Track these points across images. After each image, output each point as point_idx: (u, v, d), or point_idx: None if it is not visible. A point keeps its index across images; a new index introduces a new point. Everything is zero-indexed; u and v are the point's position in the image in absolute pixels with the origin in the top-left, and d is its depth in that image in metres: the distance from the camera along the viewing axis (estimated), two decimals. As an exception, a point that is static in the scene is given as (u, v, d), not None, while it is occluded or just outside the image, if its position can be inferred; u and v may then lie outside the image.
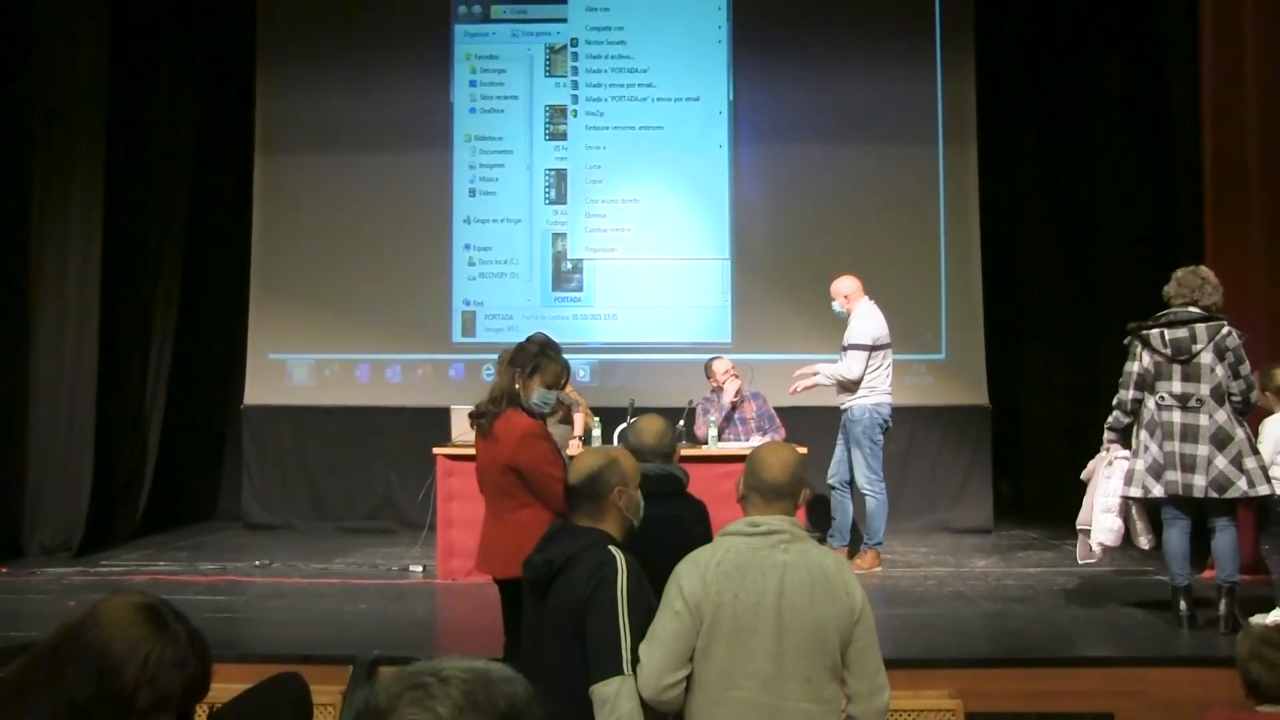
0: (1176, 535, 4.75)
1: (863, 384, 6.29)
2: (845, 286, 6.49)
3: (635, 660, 2.68)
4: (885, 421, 6.36)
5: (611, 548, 2.83)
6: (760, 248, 8.43)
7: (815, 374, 6.45)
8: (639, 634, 2.69)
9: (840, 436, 6.51)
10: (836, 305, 6.51)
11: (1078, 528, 5.09)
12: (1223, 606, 4.66)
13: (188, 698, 1.68)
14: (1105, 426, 4.98)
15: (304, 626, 5.16)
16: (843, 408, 6.44)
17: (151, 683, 1.62)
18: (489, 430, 3.81)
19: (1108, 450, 4.98)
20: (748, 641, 2.60)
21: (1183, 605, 4.73)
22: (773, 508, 2.77)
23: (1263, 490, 4.59)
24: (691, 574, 2.68)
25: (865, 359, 6.27)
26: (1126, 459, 4.88)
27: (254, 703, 2.39)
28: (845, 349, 6.36)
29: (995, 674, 4.19)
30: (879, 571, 6.30)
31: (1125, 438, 4.93)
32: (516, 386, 3.84)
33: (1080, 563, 5.16)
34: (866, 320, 6.36)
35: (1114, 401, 4.91)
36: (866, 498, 6.34)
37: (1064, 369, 8.59)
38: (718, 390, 6.93)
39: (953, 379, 8.30)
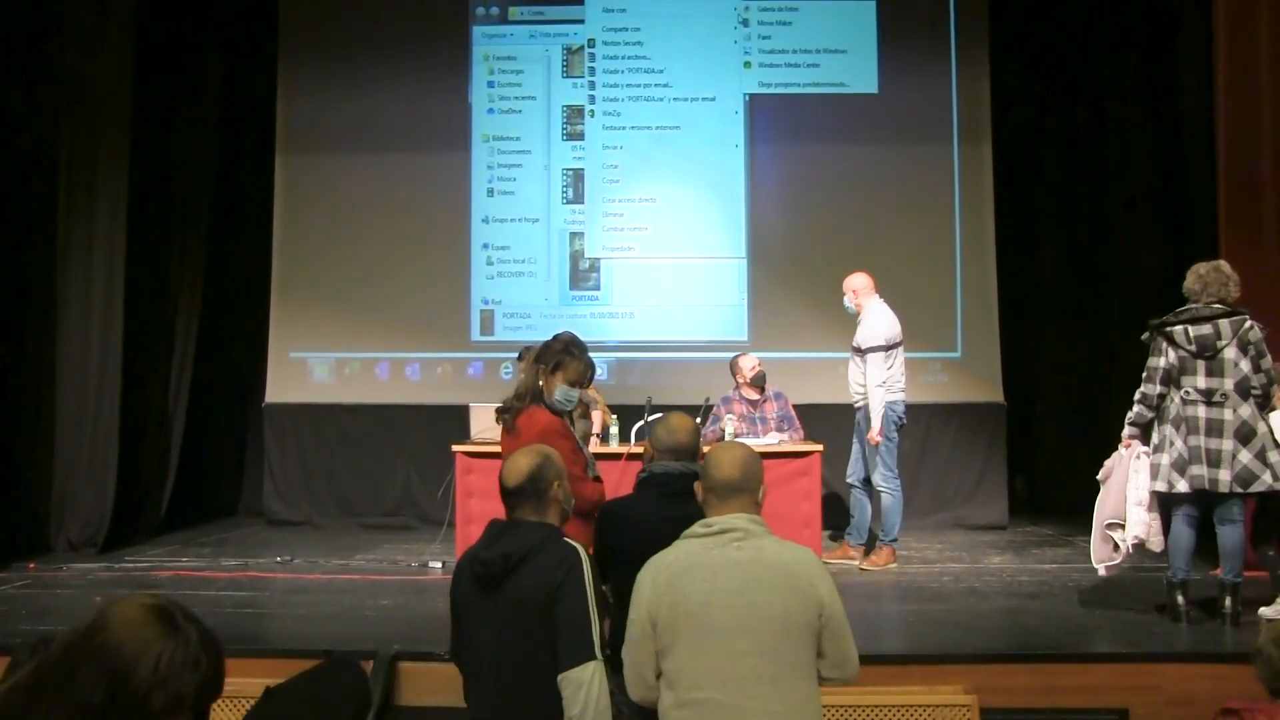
0: (1185, 530, 4.78)
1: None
2: (856, 282, 6.52)
3: (603, 647, 2.74)
4: (900, 419, 6.39)
5: (569, 540, 2.89)
6: (776, 246, 8.46)
7: (876, 427, 6.30)
8: (601, 622, 2.77)
9: (856, 435, 6.54)
10: (847, 301, 6.53)
11: (1101, 526, 5.00)
12: (1227, 604, 4.69)
13: (202, 698, 1.66)
14: (1126, 422, 4.95)
15: (325, 622, 5.21)
16: (857, 406, 6.48)
17: (164, 685, 1.60)
18: (513, 425, 3.87)
19: (1127, 447, 4.95)
20: (702, 642, 2.57)
21: (1180, 600, 4.76)
22: (728, 506, 2.75)
23: None
24: (644, 577, 2.71)
25: (883, 360, 6.30)
26: (1148, 454, 4.87)
27: (314, 688, 2.37)
28: (860, 351, 6.38)
29: (1010, 669, 4.21)
30: (894, 568, 6.33)
31: (1145, 434, 4.91)
32: (540, 383, 3.91)
33: (1097, 566, 5.06)
34: (879, 321, 6.38)
35: (1137, 396, 4.89)
36: (882, 494, 6.38)
37: (1079, 366, 8.60)
38: (740, 388, 6.95)
39: (968, 376, 8.31)
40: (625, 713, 2.87)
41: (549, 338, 4.14)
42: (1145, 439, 4.92)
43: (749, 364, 6.95)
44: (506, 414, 3.92)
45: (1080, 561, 6.50)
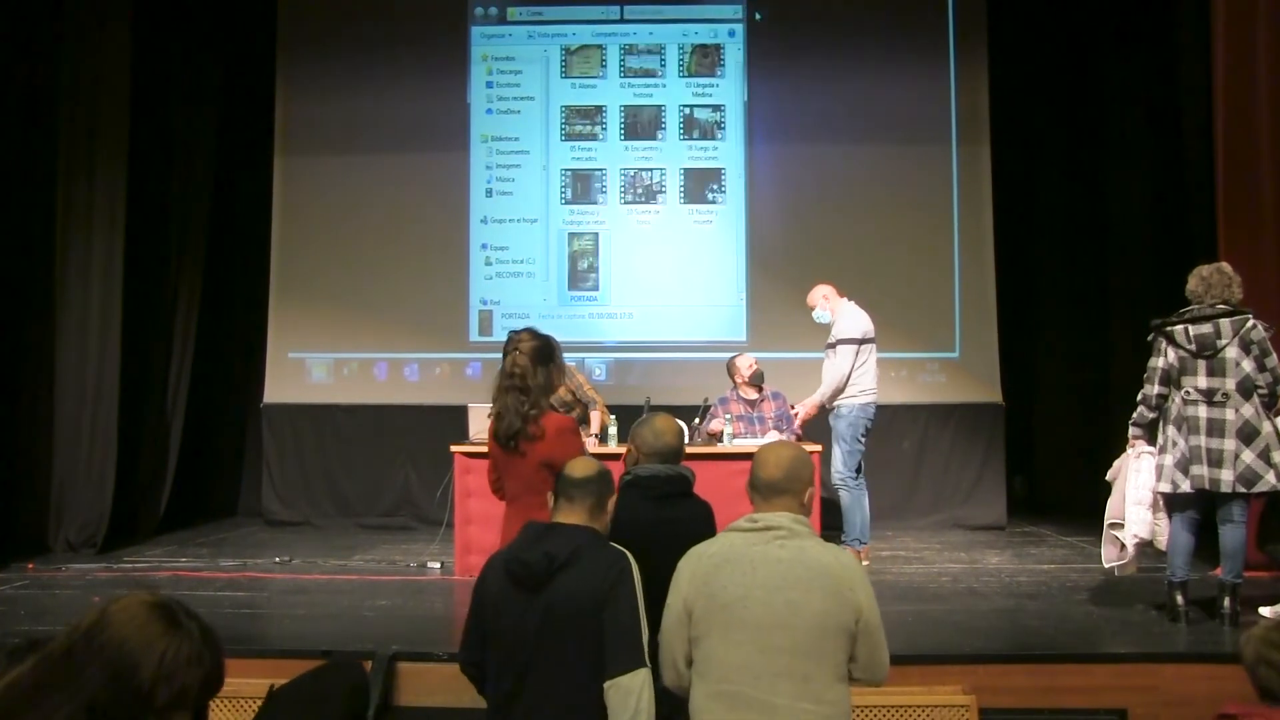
0: (1186, 531, 4.78)
1: (849, 382, 6.33)
2: (823, 290, 6.54)
3: (651, 653, 2.72)
4: (870, 420, 6.38)
5: (614, 545, 2.87)
6: (776, 247, 8.46)
7: (811, 405, 6.43)
8: (651, 627, 2.75)
9: (834, 438, 6.49)
10: (818, 312, 6.53)
11: (1107, 524, 5.04)
12: (1226, 604, 4.69)
13: (204, 693, 1.69)
14: (1130, 423, 4.96)
15: (324, 622, 5.20)
16: (829, 407, 6.47)
17: (169, 680, 1.62)
18: (538, 428, 3.71)
19: (1133, 447, 4.97)
20: (736, 635, 2.59)
21: (1179, 600, 4.76)
22: (772, 505, 2.76)
23: None
24: (685, 567, 2.72)
25: (854, 354, 6.29)
26: (1152, 454, 4.88)
27: (314, 686, 2.40)
28: (833, 346, 6.40)
29: (1009, 670, 4.19)
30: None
31: (1150, 434, 4.92)
32: (554, 381, 3.87)
33: (1107, 566, 5.07)
34: (853, 317, 6.40)
35: (1139, 397, 4.90)
36: (839, 493, 6.34)
37: (1077, 366, 8.61)
38: (738, 387, 6.96)
39: (966, 376, 8.32)
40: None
41: (514, 337, 3.98)
42: (1151, 438, 4.93)
43: (746, 363, 6.96)
44: (523, 428, 3.70)
45: (1079, 562, 6.51)
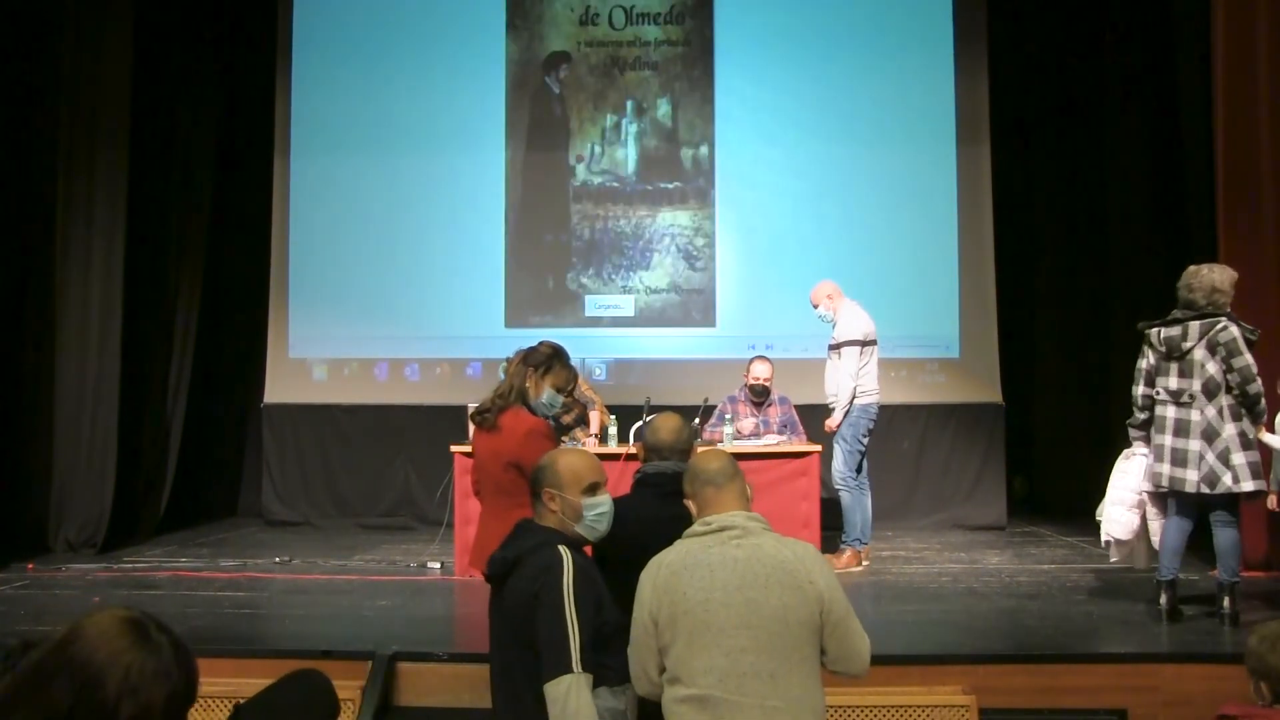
0: (1174, 530, 4.83)
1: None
2: (826, 289, 6.50)
3: (584, 659, 2.69)
4: (871, 421, 6.37)
5: (561, 547, 2.85)
6: (777, 247, 8.45)
7: (836, 417, 6.36)
8: (588, 631, 2.71)
9: (836, 439, 6.49)
10: (820, 310, 6.49)
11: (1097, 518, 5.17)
12: (1226, 604, 4.70)
13: (171, 710, 1.67)
14: (1126, 424, 5.05)
15: (324, 622, 5.20)
16: (831, 407, 6.45)
17: (134, 694, 1.62)
18: (494, 424, 3.85)
19: (1132, 448, 5.05)
20: (701, 638, 2.59)
21: (1164, 599, 4.80)
22: (723, 496, 2.79)
23: (1247, 486, 4.62)
24: (645, 576, 2.73)
25: (858, 355, 6.29)
26: (1146, 455, 4.94)
27: (279, 698, 2.38)
28: (836, 348, 6.38)
29: (1009, 670, 4.19)
30: (858, 570, 6.25)
31: (1149, 434, 4.98)
32: (528, 385, 3.91)
33: (1114, 561, 5.19)
34: (855, 318, 6.38)
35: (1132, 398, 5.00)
36: (840, 493, 6.34)
37: (1077, 366, 8.61)
38: (747, 387, 6.92)
39: (966, 377, 8.32)
40: None
41: (535, 343, 4.13)
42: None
43: (763, 372, 6.87)
44: (487, 413, 3.90)
45: (1079, 562, 6.52)
